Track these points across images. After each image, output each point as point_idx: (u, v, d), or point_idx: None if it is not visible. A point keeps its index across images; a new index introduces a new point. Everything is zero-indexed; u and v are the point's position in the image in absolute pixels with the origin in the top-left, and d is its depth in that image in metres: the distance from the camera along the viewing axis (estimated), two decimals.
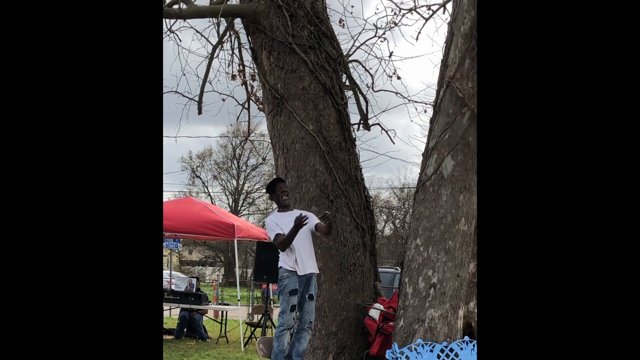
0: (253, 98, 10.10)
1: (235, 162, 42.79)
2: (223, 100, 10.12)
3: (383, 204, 43.69)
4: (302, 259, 7.37)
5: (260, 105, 9.40)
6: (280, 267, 7.44)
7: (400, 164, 69.70)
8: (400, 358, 7.30)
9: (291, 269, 7.35)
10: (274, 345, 7.39)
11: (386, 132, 9.13)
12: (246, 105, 9.98)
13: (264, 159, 40.99)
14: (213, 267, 42.37)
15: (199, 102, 9.65)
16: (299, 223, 7.08)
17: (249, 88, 9.96)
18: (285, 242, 7.28)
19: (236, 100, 10.02)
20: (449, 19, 7.79)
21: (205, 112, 9.50)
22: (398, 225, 41.22)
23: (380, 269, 21.42)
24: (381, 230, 45.68)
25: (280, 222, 7.37)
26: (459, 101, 7.49)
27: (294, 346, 7.37)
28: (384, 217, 45.40)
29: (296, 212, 7.39)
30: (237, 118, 10.15)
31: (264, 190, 8.09)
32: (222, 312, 14.83)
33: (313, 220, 7.51)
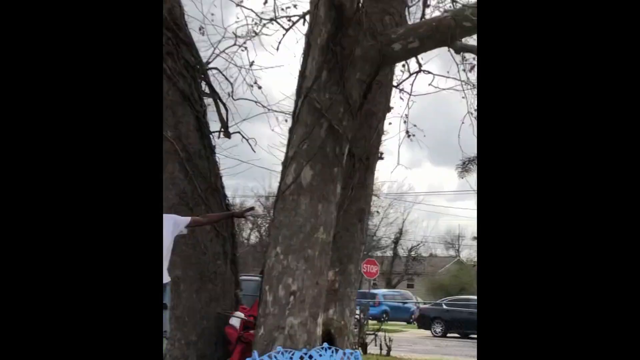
0: None
1: None
2: None
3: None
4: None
5: None
6: None
7: (265, 173, 69.75)
8: None
9: None
10: None
11: (246, 140, 9.14)
12: None
13: None
14: None
15: None
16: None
17: None
18: None
19: None
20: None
21: None
22: (264, 233, 41.25)
23: (245, 277, 21.32)
24: (247, 238, 45.61)
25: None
26: (317, 112, 7.60)
27: None
28: (250, 225, 45.36)
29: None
30: None
31: None
32: None
33: (180, 221, 7.40)
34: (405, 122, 10.37)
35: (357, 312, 17.85)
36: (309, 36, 7.83)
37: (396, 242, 49.35)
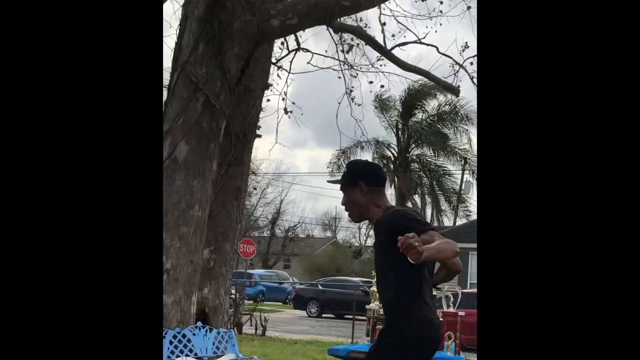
0: None
1: None
2: None
3: None
4: None
5: None
6: None
7: None
8: None
9: None
10: None
11: None
12: None
13: None
14: None
15: None
16: None
17: None
18: None
19: None
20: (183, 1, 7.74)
21: None
22: None
23: None
24: None
25: None
26: (193, 86, 7.44)
27: None
28: None
29: None
30: None
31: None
32: None
33: None
34: (284, 99, 10.31)
35: (233, 291, 17.78)
36: (186, 7, 7.65)
37: (273, 222, 49.45)
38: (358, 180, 3.88)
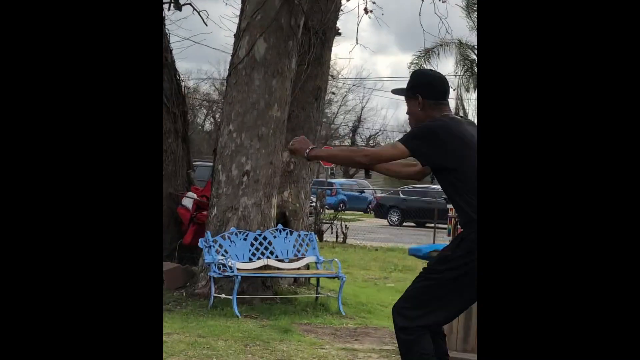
0: None
1: None
2: None
3: (203, 97, 43.10)
4: None
5: None
6: None
7: (220, 55, 68.09)
8: (214, 247, 7.19)
9: None
10: None
11: (198, 12, 8.69)
12: None
13: None
14: None
15: None
16: None
17: None
18: None
19: None
20: None
21: None
22: (218, 119, 40.89)
23: (200, 163, 21.15)
24: (201, 124, 45.20)
25: None
26: None
27: None
28: (204, 110, 44.89)
29: None
30: None
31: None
32: None
33: None
34: None
35: (314, 200, 17.83)
36: None
37: (354, 130, 49.24)
38: (416, 92, 3.79)
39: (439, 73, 3.99)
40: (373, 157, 3.74)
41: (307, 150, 3.65)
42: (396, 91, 4.00)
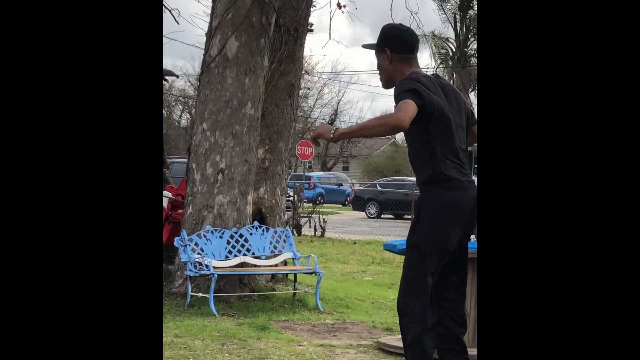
0: None
1: None
2: None
3: (178, 93, 42.91)
4: None
5: None
6: None
7: (193, 51, 67.80)
8: (190, 245, 7.18)
9: None
10: None
11: (169, 10, 8.65)
12: None
13: None
14: None
15: None
16: None
17: None
18: None
19: None
20: None
21: None
22: (194, 116, 40.80)
23: (176, 159, 21.07)
24: (177, 120, 45.03)
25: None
26: None
27: None
28: (180, 107, 44.70)
29: None
30: None
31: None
32: None
33: None
34: None
35: (292, 194, 17.83)
36: None
37: (331, 123, 49.17)
38: (384, 46, 3.78)
39: (408, 27, 3.97)
40: (405, 118, 3.46)
41: (332, 131, 3.59)
42: (366, 46, 3.99)
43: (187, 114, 43.11)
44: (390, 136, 58.93)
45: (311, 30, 8.60)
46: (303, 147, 23.31)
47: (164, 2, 8.72)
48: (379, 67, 3.86)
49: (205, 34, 7.60)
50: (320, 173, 40.80)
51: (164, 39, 10.24)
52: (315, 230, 18.05)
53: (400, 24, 4.03)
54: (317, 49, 52.98)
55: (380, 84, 3.92)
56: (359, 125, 3.82)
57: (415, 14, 9.93)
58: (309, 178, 32.27)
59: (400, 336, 3.83)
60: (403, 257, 3.93)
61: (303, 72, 9.28)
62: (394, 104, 3.55)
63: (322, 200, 30.97)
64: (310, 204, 23.91)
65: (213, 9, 7.48)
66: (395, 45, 3.78)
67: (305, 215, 19.47)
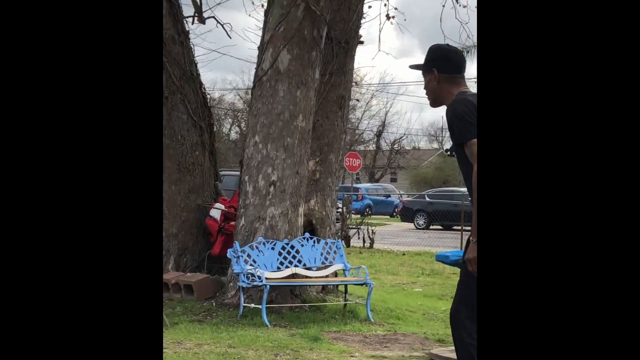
0: None
1: None
2: None
3: (228, 107, 43.32)
4: None
5: None
6: None
7: (243, 65, 68.48)
8: (242, 257, 7.26)
9: None
10: None
11: (222, 25, 8.79)
12: None
13: None
14: None
15: None
16: None
17: None
18: None
19: None
20: None
21: None
22: (244, 129, 41.06)
23: (226, 172, 21.25)
24: (227, 133, 45.42)
25: None
26: None
27: None
28: (230, 120, 45.11)
29: None
30: None
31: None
32: None
33: None
34: (385, 4, 9.98)
35: (340, 205, 17.87)
36: None
37: (379, 135, 49.19)
38: (432, 66, 3.78)
39: (455, 47, 3.98)
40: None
41: (473, 241, 3.47)
42: (413, 66, 4.00)
43: (237, 127, 43.47)
44: (438, 147, 58.71)
45: (361, 42, 8.64)
46: (351, 159, 23.35)
47: (215, 17, 8.87)
48: (426, 87, 3.86)
49: (258, 47, 7.70)
50: (368, 184, 40.74)
51: (215, 53, 10.40)
52: (364, 241, 18.05)
53: (447, 44, 4.05)
54: (365, 61, 53.07)
55: None
56: (474, 206, 3.52)
57: (466, 24, 9.92)
58: (356, 189, 32.27)
59: (453, 347, 3.84)
60: (453, 268, 3.93)
61: (352, 83, 9.32)
62: (451, 126, 3.61)
63: (370, 212, 30.91)
64: (359, 216, 23.89)
65: (265, 22, 7.57)
66: (442, 65, 3.78)
67: (354, 226, 19.47)
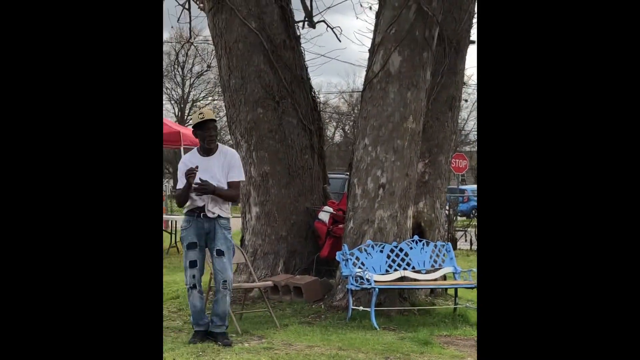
0: None
1: (179, 69, 41.95)
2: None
3: (333, 110, 43.55)
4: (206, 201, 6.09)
5: (201, 4, 8.97)
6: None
7: (349, 68, 68.64)
8: (351, 259, 7.26)
9: (189, 212, 6.15)
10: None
11: (332, 29, 8.83)
12: (186, 5, 9.51)
13: (209, 65, 40.28)
14: (163, 179, 42.16)
15: None
16: (190, 176, 5.90)
17: None
18: (179, 199, 6.13)
19: (176, 0, 9.55)
20: None
21: None
22: (348, 132, 41.19)
23: (331, 175, 21.39)
24: (331, 137, 45.67)
25: (192, 165, 6.03)
26: None
27: (213, 308, 6.17)
28: (334, 123, 45.31)
29: (219, 157, 6.13)
30: (178, 19, 9.66)
31: (192, 125, 6.32)
32: (172, 222, 14.68)
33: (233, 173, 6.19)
34: None
35: (447, 207, 17.67)
36: None
37: None
38: None
39: None
40: None
41: None
42: None
43: (341, 130, 43.65)
44: None
45: (473, 42, 8.52)
46: (457, 160, 23.06)
47: (325, 21, 8.91)
48: None
49: (368, 50, 7.69)
50: (474, 186, 40.08)
51: (324, 57, 10.45)
52: (472, 244, 17.79)
53: None
54: (474, 60, 52.29)
55: None
56: None
57: None
58: (462, 191, 31.86)
59: None
60: None
61: (462, 83, 9.20)
62: None
63: (476, 214, 30.42)
64: (465, 218, 23.58)
65: (376, 25, 7.55)
66: None
67: (461, 229, 19.23)
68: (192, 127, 6.30)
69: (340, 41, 8.32)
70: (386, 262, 7.47)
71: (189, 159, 6.20)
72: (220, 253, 6.07)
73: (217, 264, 6.08)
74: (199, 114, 6.15)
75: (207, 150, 6.15)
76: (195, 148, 6.34)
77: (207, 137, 6.10)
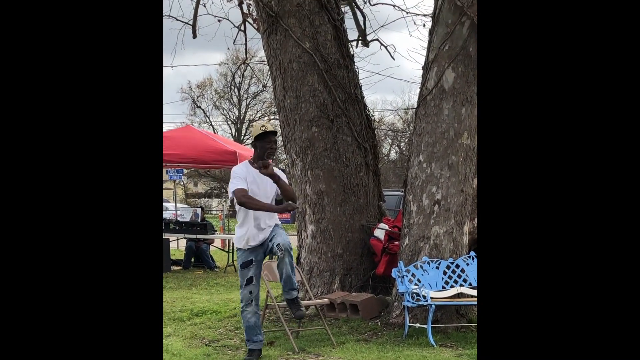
0: (249, 19, 9.79)
1: (235, 90, 42.49)
2: (219, 21, 9.85)
3: (388, 127, 43.51)
4: (256, 229, 6.11)
5: (256, 26, 9.13)
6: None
7: (404, 85, 68.61)
8: (407, 276, 7.25)
9: (241, 248, 6.18)
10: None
11: (385, 47, 8.89)
12: (242, 27, 9.69)
13: (264, 85, 40.71)
14: (219, 199, 42.53)
15: (193, 25, 9.38)
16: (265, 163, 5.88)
17: (244, 8, 9.64)
18: (252, 205, 6.01)
19: (232, 23, 9.74)
20: None
21: (201, 36, 9.24)
22: (403, 148, 41.10)
23: (386, 192, 21.38)
24: (386, 154, 45.60)
25: (249, 177, 6.06)
26: (458, 10, 7.26)
27: (280, 278, 6.18)
28: (389, 140, 45.25)
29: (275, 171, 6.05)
30: (234, 41, 9.85)
31: (253, 136, 6.24)
32: (229, 241, 14.84)
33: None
34: None
35: None
36: None
37: None
38: None
39: None
40: None
41: None
42: None
43: (396, 147, 43.58)
44: None
45: None
46: None
47: (379, 39, 8.97)
48: None
49: (422, 67, 7.72)
50: None
51: (378, 75, 10.52)
52: None
53: None
54: None
55: None
56: None
57: None
58: None
59: None
60: None
61: None
62: None
63: None
64: None
65: (430, 42, 7.58)
66: None
67: None
68: (253, 138, 6.25)
69: (394, 59, 8.39)
70: (442, 278, 7.44)
71: (243, 168, 6.15)
72: (275, 230, 6.12)
73: (272, 233, 6.08)
74: (261, 126, 6.13)
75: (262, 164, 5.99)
76: (247, 160, 6.30)
77: (268, 149, 6.03)
